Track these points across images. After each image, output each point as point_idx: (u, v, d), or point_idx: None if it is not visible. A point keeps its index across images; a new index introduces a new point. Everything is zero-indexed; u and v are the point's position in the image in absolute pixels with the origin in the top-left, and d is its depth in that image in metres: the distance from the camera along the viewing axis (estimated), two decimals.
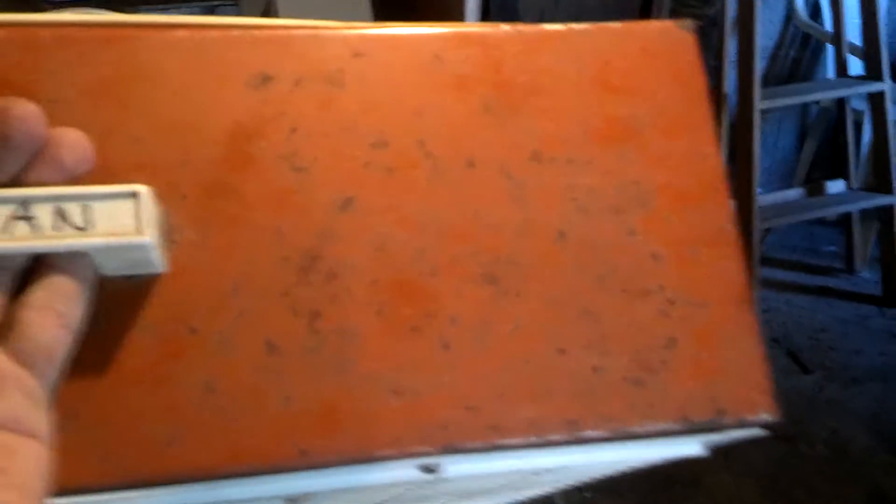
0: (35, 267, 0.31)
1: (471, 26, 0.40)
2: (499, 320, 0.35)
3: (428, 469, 0.33)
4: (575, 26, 0.40)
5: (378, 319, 0.35)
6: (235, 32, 0.37)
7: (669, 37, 0.41)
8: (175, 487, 0.31)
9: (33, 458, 0.29)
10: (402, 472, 0.33)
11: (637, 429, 0.35)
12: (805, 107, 2.48)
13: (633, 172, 0.38)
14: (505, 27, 0.40)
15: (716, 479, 1.56)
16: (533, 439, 0.34)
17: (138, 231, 0.31)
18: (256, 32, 0.37)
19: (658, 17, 2.13)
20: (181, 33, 0.36)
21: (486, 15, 0.83)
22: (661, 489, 1.54)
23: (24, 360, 0.30)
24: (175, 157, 0.35)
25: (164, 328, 0.33)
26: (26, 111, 0.30)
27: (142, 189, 0.32)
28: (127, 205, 0.32)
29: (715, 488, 1.55)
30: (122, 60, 0.35)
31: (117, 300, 0.33)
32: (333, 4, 1.68)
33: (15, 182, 0.31)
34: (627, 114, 0.39)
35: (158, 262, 0.33)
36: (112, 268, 0.33)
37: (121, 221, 0.31)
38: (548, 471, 0.37)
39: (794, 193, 2.25)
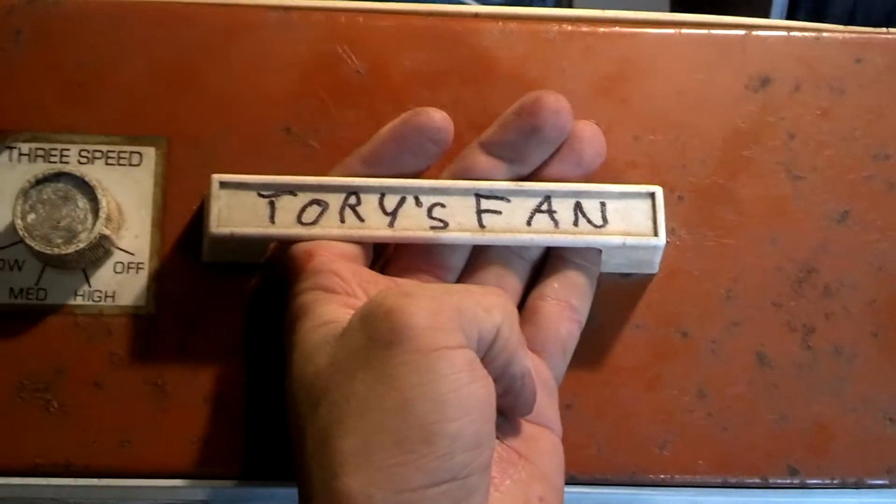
0: (548, 259, 0.32)
1: None
2: None
3: None
4: None
5: (874, 341, 0.33)
6: (735, 33, 0.35)
7: None
8: (693, 491, 0.31)
9: (552, 448, 0.29)
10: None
11: None
12: None
13: None
14: None
15: None
16: None
17: (653, 232, 0.31)
18: (756, 33, 0.35)
19: None
20: (681, 31, 0.36)
21: (793, 5, 0.77)
22: None
23: (539, 349, 0.31)
24: (672, 158, 0.34)
25: (656, 330, 0.33)
26: (559, 104, 0.31)
27: (657, 190, 0.32)
28: (643, 204, 0.32)
29: None
30: (625, 58, 0.35)
31: (612, 297, 0.33)
32: None
33: (535, 175, 0.32)
34: None
35: (657, 263, 0.33)
36: (612, 265, 0.33)
37: (635, 221, 0.32)
38: None
39: None
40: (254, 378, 0.33)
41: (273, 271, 0.33)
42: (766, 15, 0.75)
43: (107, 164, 0.34)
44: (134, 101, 0.34)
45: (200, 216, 0.34)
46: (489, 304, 0.26)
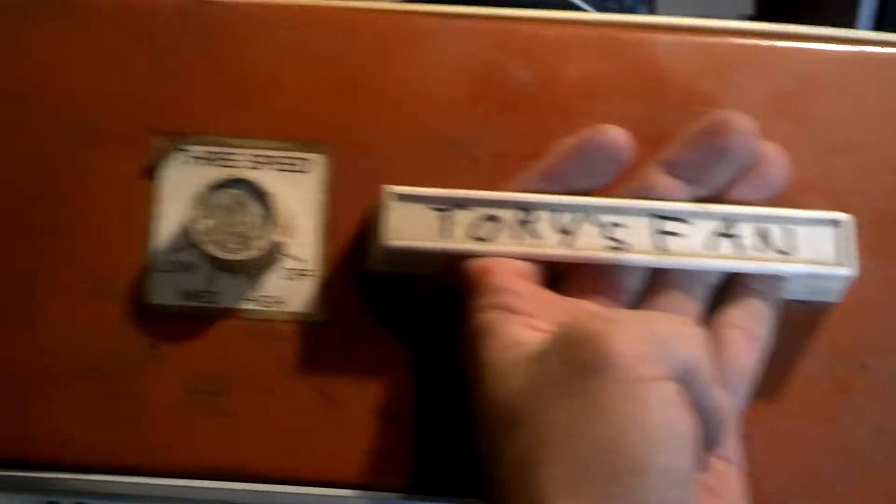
0: (729, 285, 0.31)
1: None
2: None
3: None
4: None
5: None
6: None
7: None
8: None
9: (739, 483, 0.29)
10: None
11: None
12: None
13: None
14: None
15: None
16: None
17: (839, 261, 0.30)
18: None
19: None
20: (863, 49, 0.34)
21: (882, 13, 0.74)
22: None
23: (721, 379, 0.30)
24: (852, 181, 0.33)
25: (835, 361, 0.32)
26: (749, 126, 0.30)
27: (844, 218, 0.31)
28: (827, 232, 0.31)
29: None
30: (804, 74, 0.34)
31: (789, 324, 0.32)
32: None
33: (715, 197, 0.31)
34: None
35: (840, 292, 0.32)
36: (791, 292, 0.32)
37: (820, 248, 0.31)
38: None
39: None
40: (422, 389, 0.32)
41: (441, 284, 0.33)
42: (853, 22, 0.73)
43: (275, 169, 0.34)
44: (303, 107, 0.34)
45: (367, 226, 0.33)
46: (688, 334, 0.26)
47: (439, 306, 0.33)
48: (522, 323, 0.28)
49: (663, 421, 0.23)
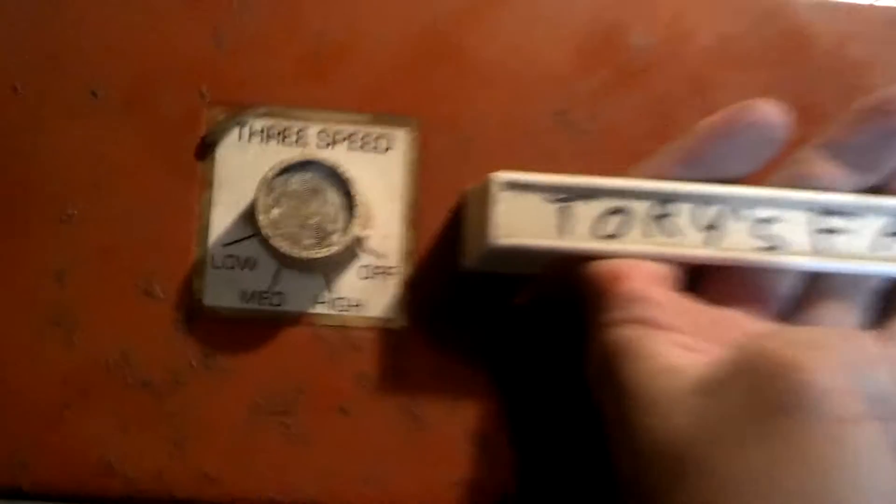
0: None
1: None
2: None
3: None
4: None
5: None
6: None
7: None
8: None
9: None
10: None
11: None
12: None
13: None
14: None
15: None
16: None
17: None
18: None
19: None
20: None
21: None
22: None
23: None
24: None
25: None
26: None
27: None
28: None
29: None
30: None
31: None
32: None
33: (884, 187, 0.26)
34: None
35: None
36: None
37: None
38: None
39: None
40: (523, 409, 0.28)
41: (551, 288, 0.28)
42: None
43: (350, 148, 0.29)
44: (381, 75, 0.29)
45: (458, 215, 0.28)
46: (881, 357, 0.21)
47: (545, 313, 0.28)
48: (671, 341, 0.23)
49: (874, 470, 0.20)
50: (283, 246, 0.26)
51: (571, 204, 0.26)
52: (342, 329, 0.28)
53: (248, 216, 0.28)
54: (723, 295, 0.26)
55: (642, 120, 0.29)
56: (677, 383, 0.22)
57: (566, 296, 0.26)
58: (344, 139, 0.29)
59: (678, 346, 0.23)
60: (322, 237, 0.26)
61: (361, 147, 0.29)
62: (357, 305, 0.28)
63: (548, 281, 0.28)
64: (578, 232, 0.26)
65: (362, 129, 0.29)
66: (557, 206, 0.26)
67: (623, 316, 0.24)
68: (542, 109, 0.29)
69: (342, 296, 0.28)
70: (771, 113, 0.25)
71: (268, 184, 0.26)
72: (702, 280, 0.27)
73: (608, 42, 0.29)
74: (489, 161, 0.28)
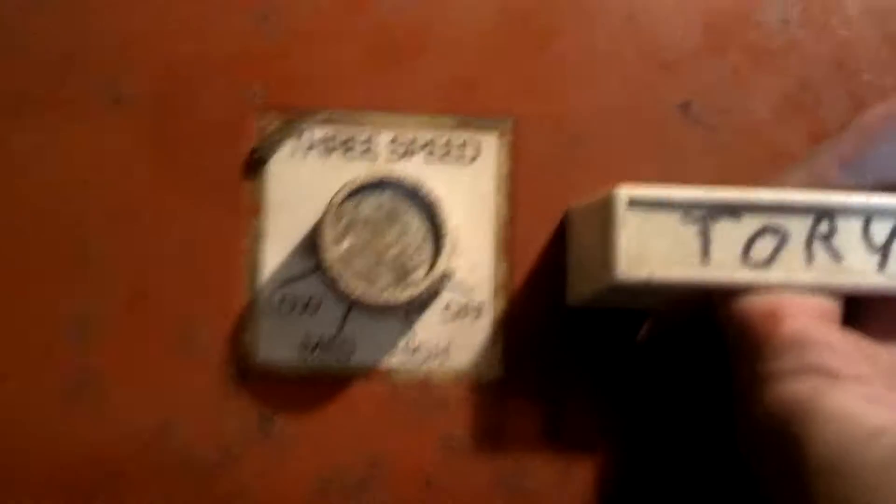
0: None
1: None
2: None
3: None
4: None
5: None
6: None
7: None
8: None
9: None
10: None
11: None
12: None
13: None
14: None
15: None
16: None
17: None
18: None
19: None
20: None
21: None
22: None
23: None
24: None
25: None
26: None
27: None
28: None
29: None
30: None
31: None
32: None
33: None
34: None
35: None
36: None
37: None
38: None
39: None
40: (654, 476, 0.22)
41: (681, 322, 0.22)
42: None
43: (428, 159, 0.23)
44: (465, 67, 0.23)
45: (563, 239, 0.23)
46: None
47: (673, 353, 0.23)
48: (857, 394, 0.18)
49: None
50: (357, 287, 0.21)
51: (715, 224, 0.20)
52: (425, 384, 0.23)
53: (308, 248, 0.22)
54: (890, 330, 0.21)
55: (783, 111, 0.24)
56: (880, 452, 0.17)
57: (702, 331, 0.21)
58: (421, 148, 0.23)
59: (871, 398, 0.18)
60: (403, 274, 0.21)
61: (443, 158, 0.23)
62: (442, 354, 0.23)
63: (679, 316, 0.22)
64: (725, 257, 0.20)
65: (444, 135, 0.23)
66: (697, 226, 0.20)
67: (793, 365, 0.19)
68: (663, 101, 0.24)
69: (424, 342, 0.23)
70: None
71: (335, 210, 0.21)
72: (862, 311, 0.21)
73: (742, 20, 0.24)
74: (600, 170, 0.23)
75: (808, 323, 0.20)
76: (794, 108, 0.24)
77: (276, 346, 0.23)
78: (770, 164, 0.23)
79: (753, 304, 0.20)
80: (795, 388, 0.19)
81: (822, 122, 0.24)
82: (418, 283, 0.21)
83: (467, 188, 0.23)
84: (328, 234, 0.21)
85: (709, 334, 0.21)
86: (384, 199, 0.22)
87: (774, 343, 0.19)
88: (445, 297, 0.23)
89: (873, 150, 0.21)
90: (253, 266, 0.23)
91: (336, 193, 0.21)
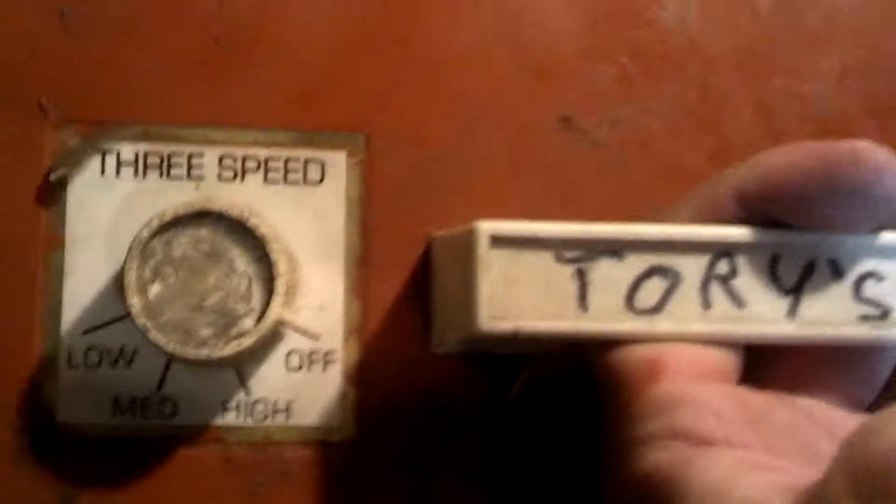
0: None
1: None
2: None
3: None
4: None
5: None
6: None
7: None
8: None
9: None
10: None
11: None
12: None
13: None
14: None
15: None
16: None
17: None
18: None
19: None
20: None
21: None
22: None
23: None
24: None
25: None
26: None
27: None
28: None
29: None
30: None
31: None
32: None
33: None
34: None
35: None
36: None
37: None
38: None
39: None
40: None
41: (553, 375, 0.19)
42: None
43: (267, 180, 0.20)
44: (310, 75, 0.20)
45: (426, 272, 0.20)
46: None
47: (549, 409, 0.20)
48: (733, 462, 0.16)
49: None
50: (170, 341, 0.17)
51: (594, 264, 0.18)
52: (263, 446, 0.19)
53: (119, 288, 0.18)
54: (804, 384, 0.19)
55: (679, 123, 0.21)
56: None
57: (579, 384, 0.18)
58: (257, 168, 0.20)
59: (745, 467, 0.16)
60: (228, 324, 0.17)
61: (283, 178, 0.20)
62: (283, 411, 0.19)
63: (558, 367, 0.19)
64: (605, 305, 0.17)
65: (284, 153, 0.20)
66: (573, 268, 0.18)
67: (660, 430, 0.16)
68: (540, 113, 0.21)
69: (262, 397, 0.19)
70: (883, 170, 0.17)
71: (142, 247, 0.17)
72: (770, 357, 0.19)
73: (628, 17, 0.21)
74: (466, 193, 0.20)
75: (688, 380, 0.17)
76: (693, 121, 0.21)
77: (82, 406, 0.19)
78: (666, 186, 0.20)
79: (630, 355, 0.18)
80: (658, 458, 0.16)
81: (724, 137, 0.21)
82: (246, 334, 0.18)
83: (312, 215, 0.20)
84: (132, 278, 0.17)
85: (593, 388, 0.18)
86: (203, 233, 0.18)
87: (643, 403, 0.17)
88: (287, 343, 0.20)
89: (781, 194, 0.18)
90: (52, 310, 0.19)
91: (142, 228, 0.17)
